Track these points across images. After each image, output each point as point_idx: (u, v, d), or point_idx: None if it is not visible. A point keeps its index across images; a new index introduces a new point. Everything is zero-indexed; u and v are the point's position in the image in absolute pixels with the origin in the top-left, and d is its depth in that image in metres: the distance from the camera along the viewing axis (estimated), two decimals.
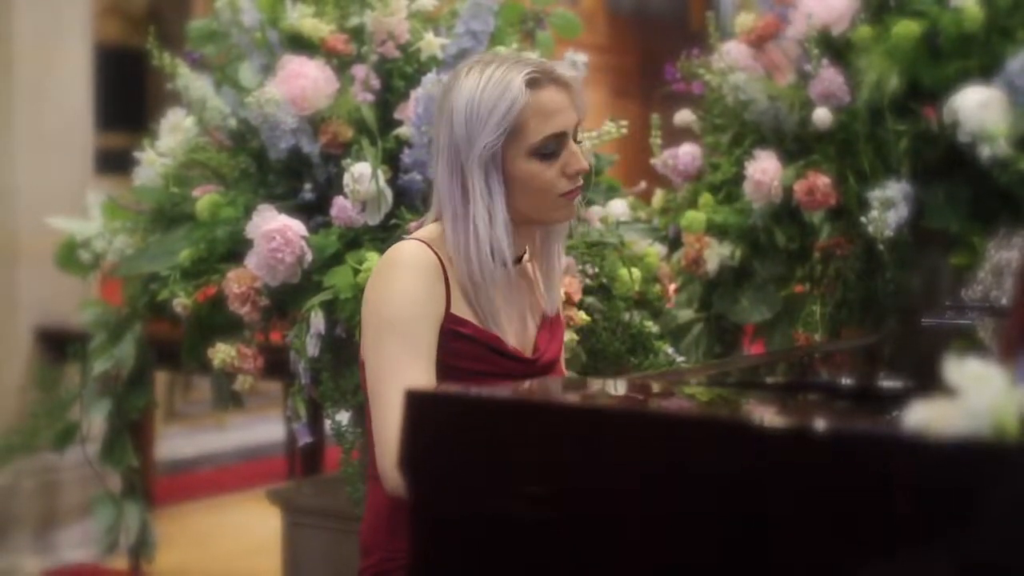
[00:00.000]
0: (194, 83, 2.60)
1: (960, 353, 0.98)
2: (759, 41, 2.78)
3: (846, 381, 1.94)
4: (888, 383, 1.82)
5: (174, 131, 2.63)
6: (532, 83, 1.76)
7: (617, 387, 1.65)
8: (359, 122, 2.43)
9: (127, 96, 6.00)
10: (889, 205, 2.51)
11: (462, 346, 1.78)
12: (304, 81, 2.41)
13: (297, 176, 2.49)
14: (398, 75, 2.48)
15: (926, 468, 0.98)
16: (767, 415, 1.35)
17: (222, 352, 2.35)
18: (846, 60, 2.64)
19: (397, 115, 2.45)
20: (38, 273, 3.86)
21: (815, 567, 1.04)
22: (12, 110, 4.05)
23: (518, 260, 1.88)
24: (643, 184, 2.90)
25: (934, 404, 0.96)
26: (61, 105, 4.19)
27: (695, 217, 2.73)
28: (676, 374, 2.04)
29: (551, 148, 1.78)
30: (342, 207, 2.36)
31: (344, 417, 2.28)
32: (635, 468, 1.14)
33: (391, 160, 2.40)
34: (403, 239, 1.88)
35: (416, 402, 1.28)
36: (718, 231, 2.73)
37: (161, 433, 4.97)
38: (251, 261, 2.31)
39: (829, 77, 2.61)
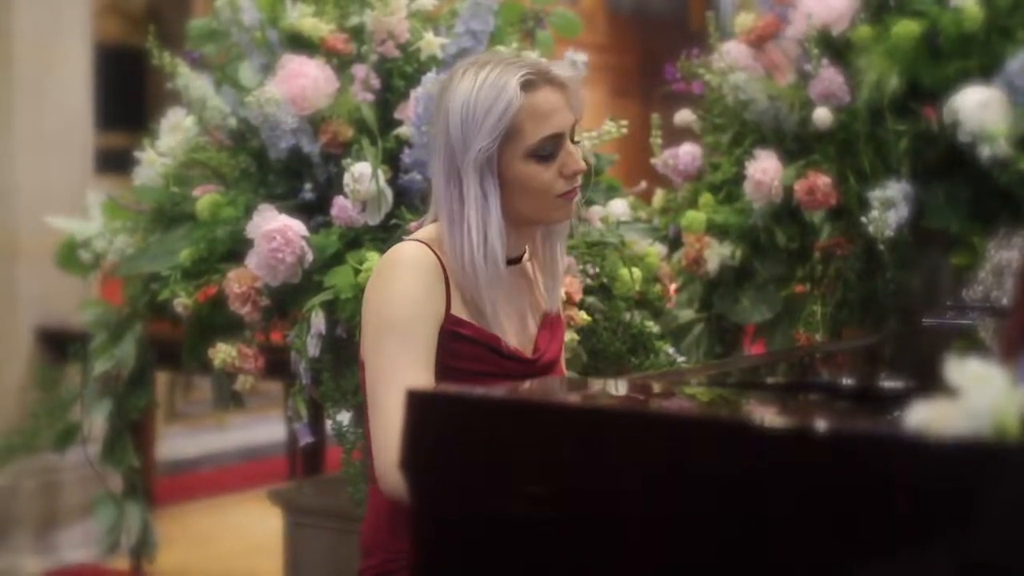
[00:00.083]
0: (194, 82, 2.60)
1: (961, 353, 0.98)
2: (759, 41, 2.78)
3: (847, 381, 1.93)
4: (889, 383, 1.82)
5: (174, 131, 2.63)
6: (527, 85, 1.76)
7: (618, 387, 1.65)
8: (359, 122, 2.43)
9: (127, 95, 5.99)
10: (889, 205, 2.51)
11: (462, 347, 1.78)
12: (304, 81, 2.41)
13: (297, 176, 2.49)
14: (398, 75, 2.48)
15: (927, 468, 0.98)
16: (768, 415, 1.35)
17: (223, 352, 2.35)
18: (846, 60, 2.64)
19: (397, 115, 2.45)
20: (38, 273, 3.85)
21: (816, 567, 1.04)
22: (12, 109, 4.05)
23: (518, 260, 1.88)
24: (643, 184, 2.90)
25: (935, 404, 0.96)
26: (61, 104, 4.18)
27: (695, 217, 2.73)
28: (677, 374, 2.04)
29: (548, 150, 1.78)
30: (342, 207, 2.36)
31: (345, 417, 2.28)
32: (636, 468, 1.14)
33: (391, 160, 2.40)
34: (403, 239, 1.88)
35: (417, 402, 1.28)
36: (718, 231, 2.73)
37: (162, 433, 4.97)
38: (251, 261, 2.31)
39: (829, 77, 2.61)
